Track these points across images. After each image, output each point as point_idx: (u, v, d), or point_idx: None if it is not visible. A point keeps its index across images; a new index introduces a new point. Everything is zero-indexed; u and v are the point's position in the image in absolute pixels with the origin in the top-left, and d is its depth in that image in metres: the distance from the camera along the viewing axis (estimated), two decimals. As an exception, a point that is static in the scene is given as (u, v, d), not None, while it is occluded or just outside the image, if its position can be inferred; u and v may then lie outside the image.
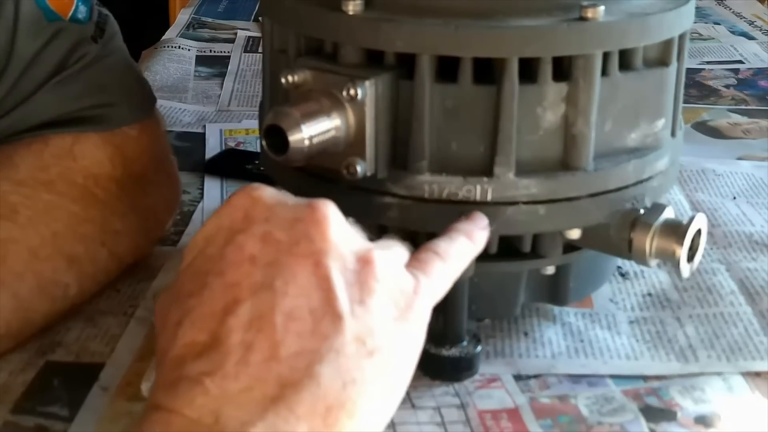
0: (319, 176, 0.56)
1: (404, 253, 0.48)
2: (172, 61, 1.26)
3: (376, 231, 0.54)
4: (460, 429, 0.56)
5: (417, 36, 0.53)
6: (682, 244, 0.56)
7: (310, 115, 0.52)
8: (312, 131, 0.51)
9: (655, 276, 0.72)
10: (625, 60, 0.57)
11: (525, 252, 0.59)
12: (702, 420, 0.57)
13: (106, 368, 0.61)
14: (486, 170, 0.55)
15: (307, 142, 0.51)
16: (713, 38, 1.41)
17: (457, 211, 0.54)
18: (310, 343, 0.41)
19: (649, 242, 0.56)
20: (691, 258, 0.57)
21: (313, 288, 0.42)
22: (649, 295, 0.70)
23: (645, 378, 0.61)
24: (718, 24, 1.48)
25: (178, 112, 1.08)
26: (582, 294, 0.66)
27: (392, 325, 0.43)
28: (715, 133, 1.05)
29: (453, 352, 0.59)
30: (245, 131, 1.02)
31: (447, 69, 0.54)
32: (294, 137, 0.51)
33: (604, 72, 0.55)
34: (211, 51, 1.33)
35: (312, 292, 0.42)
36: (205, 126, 1.03)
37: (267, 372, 0.40)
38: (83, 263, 0.65)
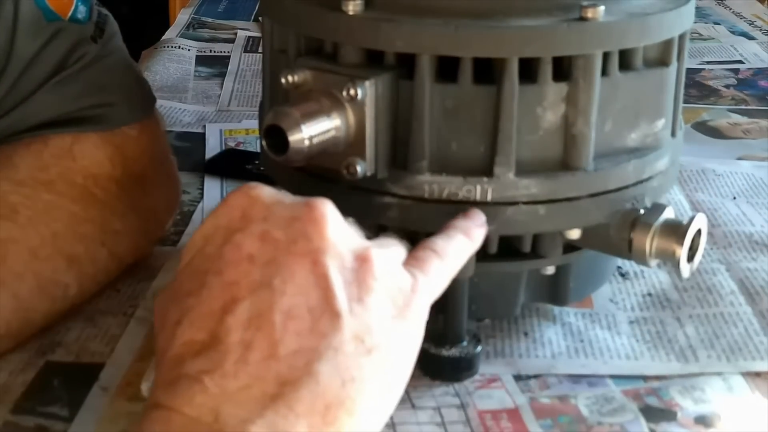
0: (319, 176, 0.56)
1: (402, 251, 0.48)
2: (172, 61, 1.26)
3: (375, 231, 0.54)
4: (460, 429, 0.56)
5: (417, 36, 0.53)
6: (682, 244, 0.56)
7: (310, 115, 0.52)
8: (312, 131, 0.51)
9: (655, 276, 0.72)
10: (625, 60, 0.57)
11: (525, 252, 0.59)
12: (702, 420, 0.57)
13: (106, 368, 0.61)
14: (486, 170, 0.55)
15: (307, 142, 0.51)
16: (713, 38, 1.41)
17: (457, 211, 0.54)
18: (309, 342, 0.41)
19: (649, 242, 0.56)
20: (691, 258, 0.57)
21: (312, 286, 0.42)
22: (649, 295, 0.70)
23: (645, 378, 0.61)
24: (718, 24, 1.48)
25: (178, 112, 1.08)
26: (582, 294, 0.66)
27: (390, 323, 0.43)
28: (715, 133, 1.05)
29: (453, 352, 0.59)
30: (245, 131, 1.02)
31: (447, 69, 0.54)
32: (294, 137, 0.51)
33: (604, 72, 0.55)
34: (211, 51, 1.33)
35: (310, 290, 0.42)
36: (205, 126, 1.03)
37: (266, 370, 0.40)
38: (83, 263, 0.65)
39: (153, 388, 0.42)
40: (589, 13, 0.54)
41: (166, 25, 1.49)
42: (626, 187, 0.58)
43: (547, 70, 0.54)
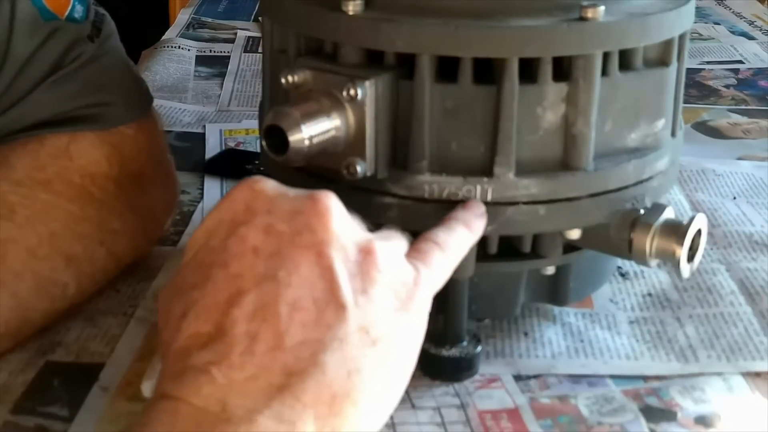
0: (319, 176, 0.56)
1: (404, 243, 0.48)
2: (172, 61, 1.26)
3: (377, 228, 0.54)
4: (460, 429, 0.56)
5: (417, 36, 0.53)
6: (682, 244, 0.56)
7: (310, 115, 0.52)
8: (312, 131, 0.51)
9: (655, 276, 0.72)
10: (625, 60, 0.57)
11: (525, 252, 0.59)
12: (702, 420, 0.57)
13: (106, 368, 0.61)
14: (486, 170, 0.55)
15: (307, 142, 0.51)
16: (713, 38, 1.41)
17: (457, 211, 0.54)
18: (315, 333, 0.41)
19: (649, 242, 0.56)
20: (691, 258, 0.57)
21: (316, 278, 0.42)
22: (649, 295, 0.70)
23: (645, 378, 0.61)
24: (718, 24, 1.48)
25: (177, 112, 1.08)
26: (582, 294, 0.66)
27: (394, 315, 0.44)
28: (715, 133, 1.05)
29: (453, 352, 0.59)
30: (245, 131, 1.02)
31: (447, 69, 0.54)
32: (294, 137, 0.51)
33: (604, 72, 0.55)
34: (211, 51, 1.33)
35: (315, 282, 0.42)
36: (205, 126, 1.03)
37: (272, 361, 0.40)
38: (81, 262, 0.65)
39: (159, 380, 0.42)
40: (589, 13, 0.54)
41: (166, 25, 1.49)
42: (626, 187, 0.58)
43: (547, 70, 0.54)
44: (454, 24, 0.53)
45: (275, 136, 0.51)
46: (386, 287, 0.44)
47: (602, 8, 0.54)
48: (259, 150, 0.69)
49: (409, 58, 0.54)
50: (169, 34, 1.39)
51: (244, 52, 1.32)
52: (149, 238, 0.73)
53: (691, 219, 0.56)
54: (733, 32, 1.44)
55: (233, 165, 0.93)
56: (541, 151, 0.56)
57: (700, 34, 1.42)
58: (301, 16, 0.57)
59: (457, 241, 0.51)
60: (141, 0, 2.05)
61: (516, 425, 0.56)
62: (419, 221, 0.55)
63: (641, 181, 0.59)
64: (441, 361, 0.59)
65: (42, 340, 0.63)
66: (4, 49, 0.65)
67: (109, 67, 0.70)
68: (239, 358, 0.40)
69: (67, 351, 0.63)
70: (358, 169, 0.53)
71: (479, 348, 0.60)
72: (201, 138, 1.00)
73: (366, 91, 0.52)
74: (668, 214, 0.57)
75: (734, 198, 0.86)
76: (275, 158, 0.52)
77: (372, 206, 0.56)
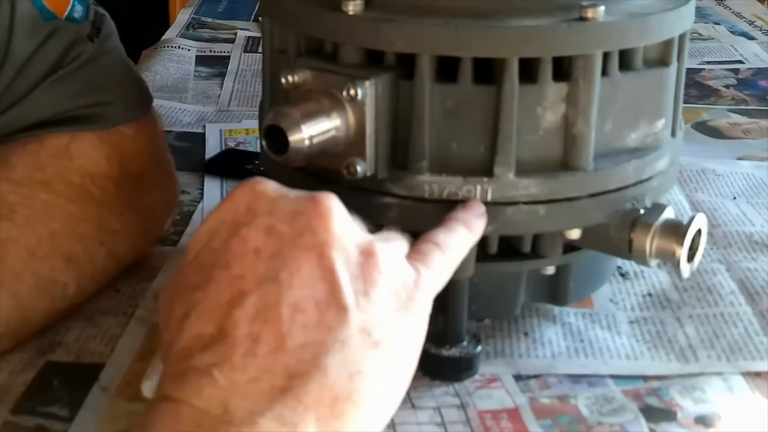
0: (319, 176, 0.56)
1: (404, 244, 0.48)
2: (172, 61, 1.26)
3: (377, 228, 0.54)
4: (460, 429, 0.56)
5: (417, 36, 0.53)
6: (682, 244, 0.56)
7: (310, 115, 0.52)
8: (312, 131, 0.51)
9: (655, 276, 0.72)
10: (625, 60, 0.57)
11: (525, 252, 0.59)
12: (702, 420, 0.57)
13: (106, 368, 0.61)
14: (486, 170, 0.55)
15: (307, 142, 0.51)
16: (713, 38, 1.41)
17: (457, 211, 0.54)
18: (316, 335, 0.41)
19: (649, 242, 0.56)
20: (691, 258, 0.57)
21: (318, 280, 0.42)
22: (649, 295, 0.70)
23: (645, 378, 0.61)
24: (718, 24, 1.48)
25: (177, 112, 1.08)
26: (582, 294, 0.66)
27: (395, 316, 0.44)
28: (715, 133, 1.05)
29: (453, 352, 0.59)
30: (245, 131, 1.02)
31: (447, 69, 0.54)
32: (294, 137, 0.51)
33: (604, 72, 0.55)
34: (211, 51, 1.33)
35: (316, 283, 0.42)
36: (205, 126, 1.03)
37: (274, 363, 0.40)
38: (81, 262, 0.65)
39: (161, 381, 0.42)
40: (589, 13, 0.54)
41: (166, 25, 1.49)
42: (626, 187, 0.58)
43: (547, 70, 0.54)
44: (454, 24, 0.53)
45: (275, 136, 0.51)
46: (387, 289, 0.44)
47: (602, 8, 0.54)
48: (259, 150, 0.69)
49: (409, 58, 0.54)
50: (169, 34, 1.39)
51: (244, 52, 1.32)
52: (149, 238, 0.73)
53: (691, 219, 0.56)
54: (733, 32, 1.44)
55: (233, 165, 0.93)
56: (541, 151, 0.56)
57: (700, 34, 1.42)
58: (301, 16, 0.57)
59: (458, 241, 0.51)
60: (141, 0, 2.05)
61: (516, 425, 0.56)
62: (419, 221, 0.55)
63: (641, 181, 0.59)
64: (441, 361, 0.59)
65: (42, 340, 0.63)
66: (4, 49, 0.65)
67: (109, 66, 0.70)
68: (241, 360, 0.40)
69: (67, 351, 0.63)
70: (358, 169, 0.53)
71: (479, 348, 0.60)
72: (201, 138, 1.00)
73: (366, 91, 0.52)
74: (668, 214, 0.57)
75: (734, 198, 0.86)
76: (275, 158, 0.52)
77: (372, 206, 0.56)
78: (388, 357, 0.43)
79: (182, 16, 1.49)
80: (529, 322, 0.66)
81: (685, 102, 0.65)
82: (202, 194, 0.86)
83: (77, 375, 0.60)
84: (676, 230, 0.56)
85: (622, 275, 0.72)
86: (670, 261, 0.56)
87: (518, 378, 0.60)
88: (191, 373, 0.40)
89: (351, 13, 0.54)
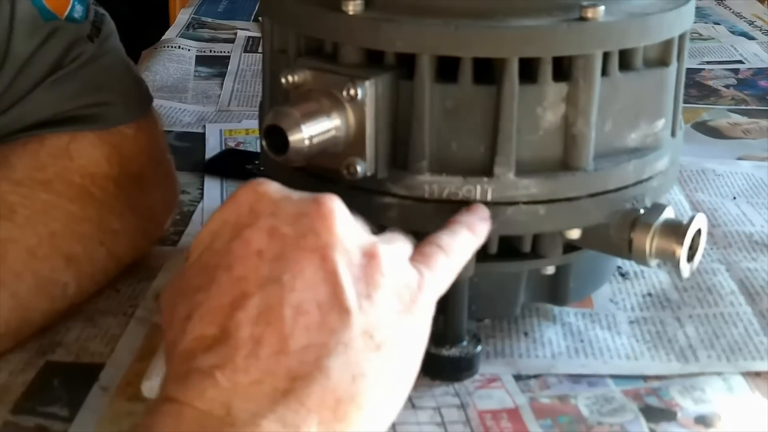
0: (319, 176, 0.56)
1: (408, 246, 0.48)
2: (172, 61, 1.26)
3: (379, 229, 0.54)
4: (460, 429, 0.56)
5: (417, 36, 0.53)
6: (682, 244, 0.56)
7: (310, 115, 0.52)
8: (312, 131, 0.51)
9: (655, 276, 0.72)
10: (625, 60, 0.57)
11: (525, 252, 0.59)
12: (702, 420, 0.57)
13: (106, 368, 0.61)
14: (486, 170, 0.55)
15: (307, 142, 0.51)
16: (713, 38, 1.41)
17: (457, 211, 0.54)
18: (319, 337, 0.41)
19: (649, 242, 0.56)
20: (691, 258, 0.57)
21: (320, 282, 0.42)
22: (649, 295, 0.70)
23: (645, 378, 0.61)
24: (718, 24, 1.48)
25: (178, 112, 1.08)
26: (582, 294, 0.66)
27: (398, 319, 0.44)
28: (715, 133, 1.05)
29: (453, 352, 0.59)
30: (245, 131, 1.02)
31: (447, 69, 0.54)
32: (294, 137, 0.51)
33: (604, 72, 0.55)
34: (211, 51, 1.33)
35: (319, 286, 0.42)
36: (205, 126, 1.03)
37: (277, 365, 0.40)
38: (81, 262, 0.65)
39: (164, 382, 0.42)
40: (589, 13, 0.54)
41: (166, 25, 1.49)
42: (626, 187, 0.58)
43: (547, 70, 0.54)
44: (454, 24, 0.53)
45: (275, 136, 0.51)
46: (390, 291, 0.44)
47: (602, 8, 0.54)
48: (259, 150, 0.69)
49: (409, 58, 0.54)
50: (169, 34, 1.39)
51: (244, 52, 1.32)
52: (149, 238, 0.73)
53: (691, 219, 0.56)
54: (733, 32, 1.44)
55: (233, 165, 0.93)
56: (541, 151, 0.56)
57: (700, 34, 1.42)
58: (301, 16, 0.57)
59: (461, 244, 0.51)
60: (141, 0, 2.05)
61: (516, 425, 0.56)
62: (419, 221, 0.55)
63: (641, 181, 0.59)
64: (441, 361, 0.59)
65: (42, 340, 0.63)
66: (4, 49, 0.65)
67: (109, 66, 0.70)
68: (244, 362, 0.40)
69: (67, 351, 0.63)
70: (358, 169, 0.53)
71: (479, 348, 0.60)
72: (201, 138, 1.00)
73: (366, 91, 0.52)
74: (668, 214, 0.57)
75: (734, 198, 0.86)
76: (275, 158, 0.52)
77: (372, 206, 0.56)
78: (390, 359, 0.43)
79: (182, 16, 1.49)
80: (529, 322, 0.66)
81: (685, 102, 0.65)
82: (202, 194, 0.86)
83: (77, 375, 0.60)
84: (676, 230, 0.56)
85: (622, 275, 0.72)
86: (670, 261, 0.56)
87: (518, 378, 0.60)
88: (194, 374, 0.40)
89: (351, 13, 0.54)
